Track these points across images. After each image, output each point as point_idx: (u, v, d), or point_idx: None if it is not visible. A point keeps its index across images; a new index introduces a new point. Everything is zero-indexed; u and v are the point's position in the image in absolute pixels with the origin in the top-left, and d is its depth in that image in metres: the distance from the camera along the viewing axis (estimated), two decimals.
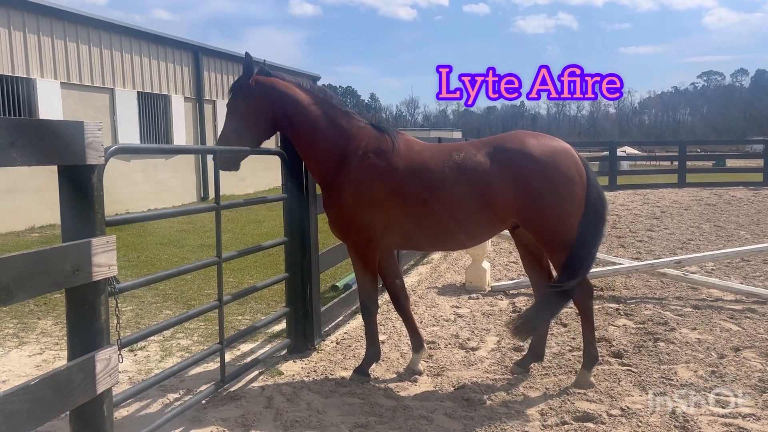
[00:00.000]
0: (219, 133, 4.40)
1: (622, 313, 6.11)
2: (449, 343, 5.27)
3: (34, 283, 2.29)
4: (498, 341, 5.32)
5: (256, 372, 4.52)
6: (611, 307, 6.32)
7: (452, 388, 4.30)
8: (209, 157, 4.04)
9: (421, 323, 5.83)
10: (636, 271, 6.82)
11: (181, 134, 18.31)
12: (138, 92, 16.67)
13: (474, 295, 6.95)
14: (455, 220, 4.26)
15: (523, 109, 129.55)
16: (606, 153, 24.85)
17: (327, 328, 5.53)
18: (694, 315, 5.97)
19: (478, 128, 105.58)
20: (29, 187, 12.64)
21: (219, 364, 4.06)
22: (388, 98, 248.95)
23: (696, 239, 10.70)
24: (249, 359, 4.73)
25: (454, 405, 4.00)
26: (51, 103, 13.60)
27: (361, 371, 4.43)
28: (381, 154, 4.28)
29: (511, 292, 7.06)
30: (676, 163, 24.09)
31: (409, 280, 7.78)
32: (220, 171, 4.10)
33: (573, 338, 5.30)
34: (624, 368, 4.63)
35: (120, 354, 2.85)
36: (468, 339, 5.37)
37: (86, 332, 2.62)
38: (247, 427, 3.64)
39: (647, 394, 4.14)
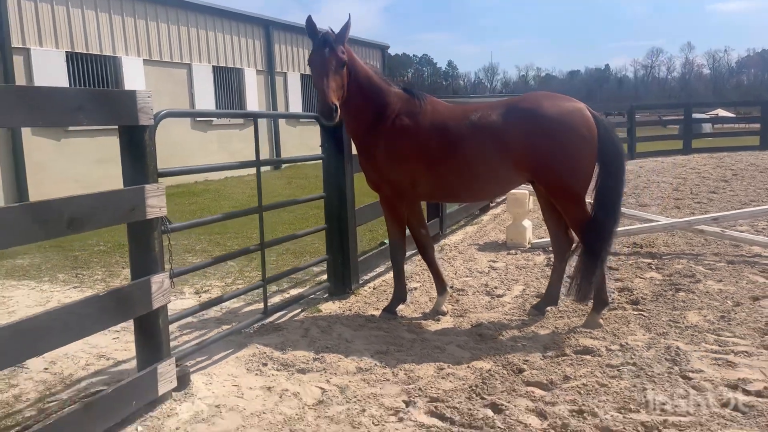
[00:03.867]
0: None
1: (653, 268, 6.32)
2: (477, 291, 5.72)
3: (100, 217, 2.95)
4: (523, 289, 5.72)
5: (299, 310, 5.17)
6: (644, 262, 6.54)
7: (469, 326, 4.77)
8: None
9: (455, 274, 6.31)
10: (672, 228, 6.96)
11: (254, 105, 19.27)
12: (213, 66, 17.69)
13: (513, 251, 7.32)
14: (474, 174, 4.68)
15: (608, 73, 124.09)
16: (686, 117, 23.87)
17: (368, 277, 6.11)
18: (726, 269, 6.11)
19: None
20: (114, 156, 13.85)
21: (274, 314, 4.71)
22: (467, 65, 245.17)
23: (759, 200, 10.48)
24: (293, 298, 5.38)
25: (467, 339, 4.48)
26: (135, 79, 14.75)
27: (389, 310, 4.98)
28: (410, 115, 4.72)
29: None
30: None
31: (455, 238, 8.23)
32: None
33: None
34: (636, 313, 4.93)
35: (172, 281, 3.52)
36: (496, 287, 5.80)
37: (143, 260, 3.29)
38: (284, 350, 4.27)
39: (650, 333, 4.46)
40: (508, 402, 3.45)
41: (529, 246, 7.52)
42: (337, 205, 5.34)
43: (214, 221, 4.11)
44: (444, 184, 4.79)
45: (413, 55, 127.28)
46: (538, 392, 3.60)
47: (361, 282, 5.94)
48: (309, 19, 4.37)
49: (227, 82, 18.52)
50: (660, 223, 6.95)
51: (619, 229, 7.15)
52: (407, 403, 3.49)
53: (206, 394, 3.59)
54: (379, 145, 4.74)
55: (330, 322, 4.84)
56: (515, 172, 4.67)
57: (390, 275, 6.29)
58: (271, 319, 4.93)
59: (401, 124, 4.70)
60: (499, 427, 3.19)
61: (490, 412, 3.36)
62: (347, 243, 5.39)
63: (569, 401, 3.43)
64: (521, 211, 7.58)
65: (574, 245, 4.93)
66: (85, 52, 13.75)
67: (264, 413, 3.39)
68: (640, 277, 5.99)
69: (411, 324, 4.85)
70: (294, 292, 5.79)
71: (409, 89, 4.89)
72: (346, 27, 4.48)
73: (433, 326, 4.82)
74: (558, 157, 4.51)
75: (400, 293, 5.05)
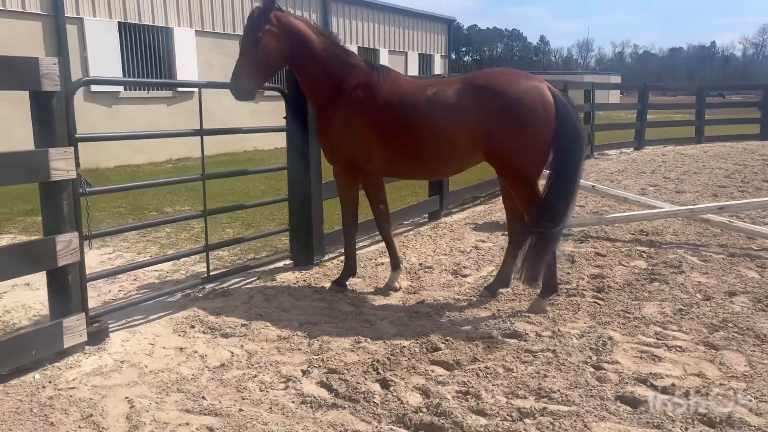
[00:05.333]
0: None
1: (644, 256, 6.01)
2: (445, 269, 5.65)
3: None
4: (492, 270, 5.59)
5: (255, 278, 5.29)
6: (639, 250, 6.22)
7: (414, 303, 4.74)
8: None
9: (434, 252, 6.26)
10: (675, 216, 6.59)
11: None
12: None
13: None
14: (427, 150, 4.61)
15: (714, 50, 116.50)
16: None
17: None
18: (720, 262, 5.73)
19: (659, 72, 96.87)
20: (167, 124, 14.47)
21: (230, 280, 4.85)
22: (560, 40, 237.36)
23: None
24: (256, 268, 5.51)
25: (403, 315, 4.46)
26: (186, 50, 15.25)
27: (339, 283, 5.01)
28: (367, 88, 4.68)
29: None
30: None
31: (458, 216, 8.13)
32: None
33: (565, 273, 5.43)
34: (593, 301, 4.73)
35: (90, 242, 3.70)
36: (465, 267, 5.71)
37: (52, 220, 3.47)
38: (219, 315, 4.40)
39: (593, 321, 4.29)
40: (401, 379, 3.44)
41: None
42: (301, 176, 5.38)
43: (144, 186, 4.28)
44: (398, 159, 4.75)
45: (504, 29, 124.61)
46: (438, 371, 3.56)
47: (335, 254, 6.00)
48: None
49: None
50: (663, 210, 6.58)
51: (619, 215, 6.91)
52: (304, 373, 3.54)
53: (117, 350, 3.78)
54: (335, 117, 4.73)
55: (277, 291, 4.94)
56: (469, 151, 4.56)
57: (363, 250, 6.32)
58: (226, 284, 5.09)
59: (357, 97, 4.68)
60: (374, 402, 3.19)
61: (376, 387, 3.37)
62: (311, 215, 5.44)
63: (461, 383, 3.38)
64: None
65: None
66: (137, 22, 14.33)
67: (162, 371, 3.54)
68: (623, 265, 5.72)
69: (357, 297, 4.87)
70: (265, 260, 5.92)
71: (371, 62, 4.85)
72: (270, 4, 4.54)
73: (378, 301, 4.82)
74: (509, 136, 4.36)
75: (350, 267, 5.07)
